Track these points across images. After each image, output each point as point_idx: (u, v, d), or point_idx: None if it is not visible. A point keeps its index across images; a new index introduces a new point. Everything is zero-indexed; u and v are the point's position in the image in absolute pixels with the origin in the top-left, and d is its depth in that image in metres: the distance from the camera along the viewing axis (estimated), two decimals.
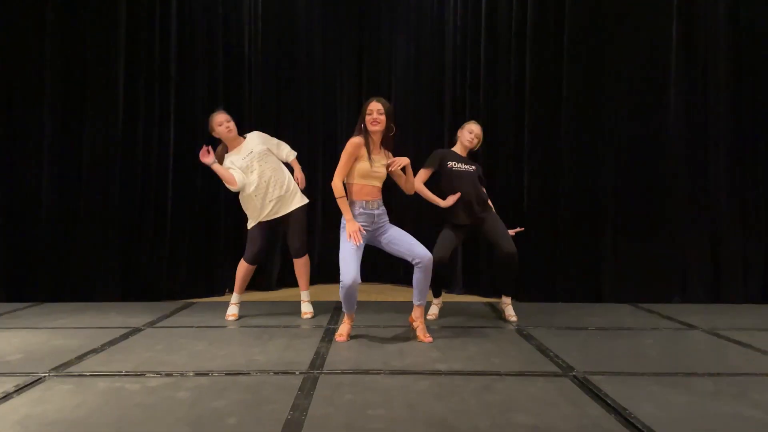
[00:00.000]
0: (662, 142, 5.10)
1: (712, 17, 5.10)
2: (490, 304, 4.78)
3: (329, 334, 3.65)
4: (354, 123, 4.11)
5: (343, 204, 3.45)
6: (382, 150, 3.61)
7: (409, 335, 3.61)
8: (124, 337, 3.58)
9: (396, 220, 3.86)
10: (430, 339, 3.48)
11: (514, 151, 5.31)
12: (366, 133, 3.52)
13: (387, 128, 3.53)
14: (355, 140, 3.48)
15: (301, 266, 4.28)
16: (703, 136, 5.12)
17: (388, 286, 6.12)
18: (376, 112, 3.48)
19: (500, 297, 4.28)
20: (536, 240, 5.09)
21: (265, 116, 5.93)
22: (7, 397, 2.50)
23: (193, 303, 4.90)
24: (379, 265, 6.22)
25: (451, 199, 4.06)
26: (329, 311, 4.44)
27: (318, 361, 3.02)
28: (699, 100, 5.12)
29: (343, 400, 2.44)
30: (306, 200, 4.30)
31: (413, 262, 3.47)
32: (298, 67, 6.29)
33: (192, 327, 3.89)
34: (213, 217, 5.54)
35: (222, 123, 4.17)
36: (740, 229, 5.08)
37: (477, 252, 5.43)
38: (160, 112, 5.26)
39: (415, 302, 3.57)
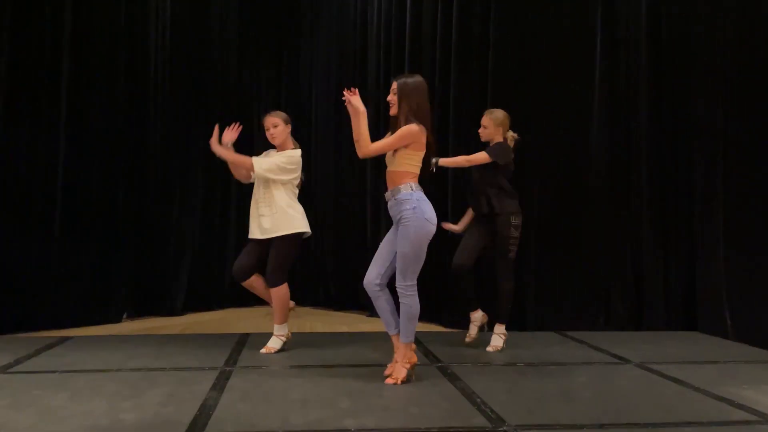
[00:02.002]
0: (588, 157, 4.93)
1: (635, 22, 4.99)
2: None
3: (223, 378, 3.10)
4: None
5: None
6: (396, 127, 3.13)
7: (316, 376, 3.13)
8: None
9: None
10: (395, 381, 3.02)
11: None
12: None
13: (405, 109, 3.07)
14: (414, 129, 3.04)
15: (272, 298, 3.76)
16: (625, 150, 4.98)
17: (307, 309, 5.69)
18: (391, 92, 3.11)
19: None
20: (449, 260, 4.77)
21: (177, 125, 5.52)
22: None
23: (70, 337, 4.21)
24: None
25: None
26: (229, 345, 3.88)
27: (201, 420, 2.47)
28: (622, 111, 4.98)
29: None
30: (293, 230, 3.69)
31: None
32: (212, 74, 5.90)
33: (56, 372, 3.23)
34: (111, 232, 5.02)
35: (268, 128, 3.75)
36: (662, 253, 4.95)
37: None
38: (49, 119, 4.71)
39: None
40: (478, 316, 3.97)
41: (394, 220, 3.14)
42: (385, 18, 5.67)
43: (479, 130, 4.00)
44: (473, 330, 3.95)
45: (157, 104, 5.48)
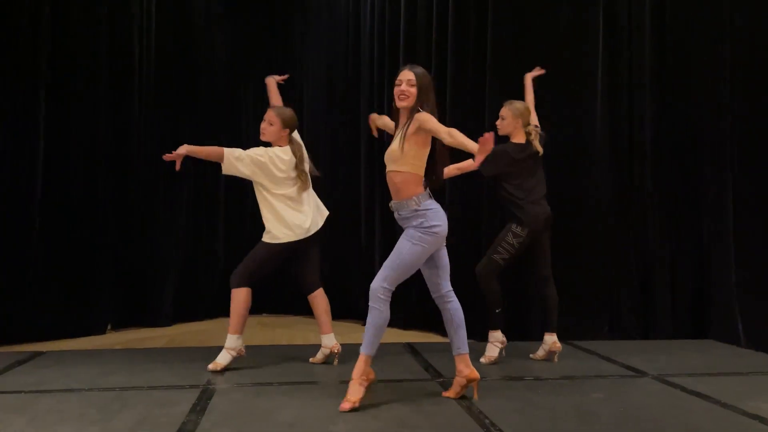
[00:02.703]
0: (589, 155, 4.74)
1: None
2: (410, 345, 4.10)
3: (204, 398, 2.81)
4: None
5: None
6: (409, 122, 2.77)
7: (314, 392, 2.87)
8: None
9: None
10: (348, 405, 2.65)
11: None
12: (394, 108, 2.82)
13: (424, 103, 2.75)
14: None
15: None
16: (629, 153, 4.80)
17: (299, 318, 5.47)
18: (405, 83, 2.74)
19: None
20: (460, 269, 4.51)
21: (163, 129, 5.33)
22: None
23: (44, 352, 3.90)
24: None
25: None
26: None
27: None
28: (624, 106, 4.80)
29: None
30: (268, 240, 3.44)
31: None
32: (199, 76, 5.74)
33: (21, 392, 2.94)
34: (93, 240, 4.86)
35: (263, 122, 3.48)
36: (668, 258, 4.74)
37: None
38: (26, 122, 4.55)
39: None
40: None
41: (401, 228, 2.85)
42: (379, 13, 5.49)
43: (497, 122, 3.69)
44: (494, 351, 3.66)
45: (143, 106, 5.28)
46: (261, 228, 3.45)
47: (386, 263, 2.74)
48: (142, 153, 5.25)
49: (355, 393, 2.66)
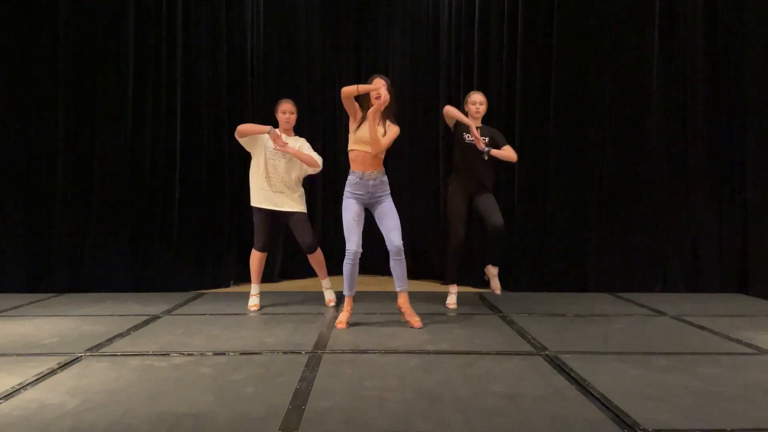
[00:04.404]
0: (645, 135, 5.42)
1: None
2: (480, 295, 5.15)
3: (331, 321, 4.03)
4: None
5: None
6: (385, 121, 3.83)
7: (402, 321, 3.99)
8: (146, 323, 3.97)
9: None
10: (419, 323, 3.81)
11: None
12: (366, 104, 3.77)
13: (393, 105, 3.81)
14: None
15: (315, 261, 4.56)
16: (682, 132, 5.45)
17: (386, 278, 6.46)
18: (383, 87, 3.73)
19: (486, 273, 4.60)
20: (525, 231, 5.49)
21: (267, 113, 6.10)
22: (53, 372, 2.89)
23: (203, 294, 5.27)
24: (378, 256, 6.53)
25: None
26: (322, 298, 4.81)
27: (321, 343, 3.41)
28: (679, 91, 5.45)
29: (344, 374, 2.83)
30: (304, 209, 4.49)
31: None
32: (298, 65, 6.61)
33: (205, 314, 4.27)
34: (218, 212, 5.86)
35: (285, 112, 4.40)
36: (716, 222, 5.42)
37: (469, 247, 5.73)
38: (167, 113, 5.60)
39: (396, 288, 3.88)
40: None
41: (368, 197, 3.81)
42: (456, 21, 6.11)
43: (480, 108, 4.41)
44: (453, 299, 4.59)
45: (254, 95, 6.24)
46: None
47: (398, 224, 3.81)
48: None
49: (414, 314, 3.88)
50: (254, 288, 4.54)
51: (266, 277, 6.15)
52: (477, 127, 4.31)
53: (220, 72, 5.91)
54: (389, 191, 3.92)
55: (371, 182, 3.82)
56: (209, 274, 5.79)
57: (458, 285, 4.65)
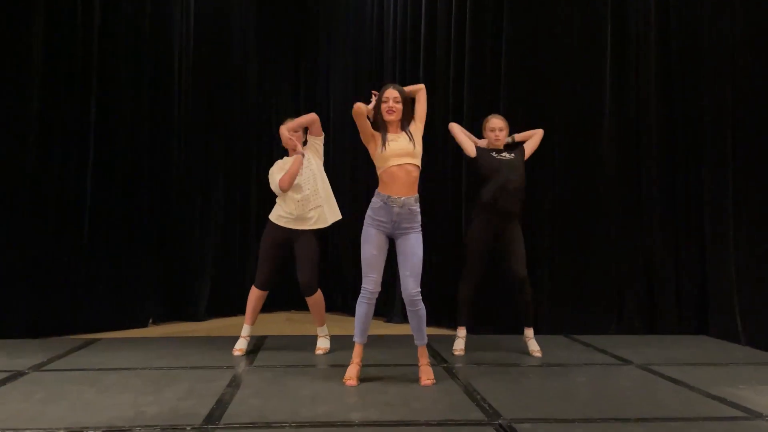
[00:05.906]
0: (598, 155, 5.04)
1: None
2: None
3: (239, 376, 3.30)
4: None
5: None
6: (404, 132, 3.28)
7: (330, 375, 3.32)
8: (1, 383, 3.14)
9: None
10: (430, 381, 3.17)
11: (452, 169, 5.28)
12: (380, 120, 3.26)
13: (405, 115, 3.28)
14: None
15: (312, 305, 3.98)
16: (636, 160, 5.07)
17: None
18: (392, 100, 3.22)
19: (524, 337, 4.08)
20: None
21: (195, 125, 5.71)
22: None
23: (98, 339, 4.45)
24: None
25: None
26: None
27: (217, 412, 2.67)
28: (632, 107, 5.09)
29: None
30: (323, 224, 3.98)
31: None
32: (232, 78, 6.12)
33: (87, 369, 3.47)
34: (136, 243, 5.18)
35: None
36: (673, 257, 5.03)
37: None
38: (79, 128, 4.88)
39: (415, 342, 3.29)
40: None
41: (392, 226, 3.20)
42: (401, 28, 5.80)
43: (500, 134, 4.08)
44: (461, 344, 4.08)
45: (180, 113, 5.63)
46: None
47: (418, 269, 3.18)
48: (179, 158, 5.55)
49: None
50: (245, 329, 4.00)
51: (189, 315, 5.50)
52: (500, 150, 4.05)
53: (142, 81, 5.26)
54: (419, 224, 3.24)
55: (396, 209, 3.17)
56: (123, 312, 5.05)
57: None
